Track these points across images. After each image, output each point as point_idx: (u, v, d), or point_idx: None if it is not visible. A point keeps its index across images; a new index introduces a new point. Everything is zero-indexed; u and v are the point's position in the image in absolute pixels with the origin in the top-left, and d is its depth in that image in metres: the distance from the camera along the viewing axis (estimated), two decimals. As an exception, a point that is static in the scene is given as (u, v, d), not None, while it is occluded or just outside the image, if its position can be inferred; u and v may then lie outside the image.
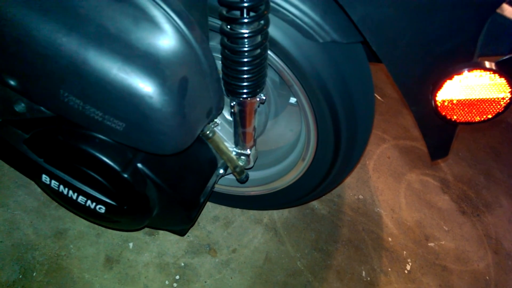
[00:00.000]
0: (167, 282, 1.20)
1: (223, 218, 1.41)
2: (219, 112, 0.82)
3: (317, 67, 0.84)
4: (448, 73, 0.63)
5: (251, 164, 1.04)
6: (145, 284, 1.19)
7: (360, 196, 1.62)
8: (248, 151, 1.02)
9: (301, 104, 0.95)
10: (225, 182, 1.29)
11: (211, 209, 1.42)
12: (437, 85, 0.64)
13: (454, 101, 0.65)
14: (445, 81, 0.63)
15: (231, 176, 1.22)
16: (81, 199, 0.87)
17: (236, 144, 1.01)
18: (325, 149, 1.01)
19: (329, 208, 1.54)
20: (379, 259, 1.43)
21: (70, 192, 0.87)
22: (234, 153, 1.02)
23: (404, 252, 1.47)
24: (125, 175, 0.79)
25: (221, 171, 1.04)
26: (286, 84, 0.95)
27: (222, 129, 1.01)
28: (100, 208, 0.88)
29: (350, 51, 0.87)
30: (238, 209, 1.44)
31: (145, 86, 0.63)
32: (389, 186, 1.69)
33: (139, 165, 0.83)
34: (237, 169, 1.02)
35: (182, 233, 1.07)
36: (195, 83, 0.69)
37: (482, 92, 0.63)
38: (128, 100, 0.64)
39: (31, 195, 1.30)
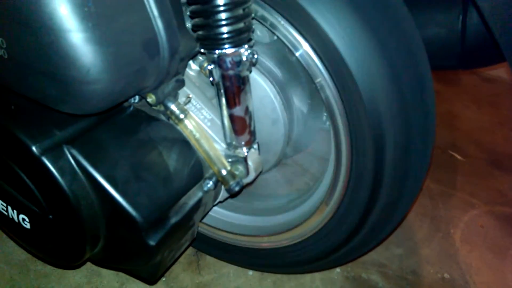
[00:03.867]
0: None
1: (248, 290, 1.05)
2: (173, 54, 0.58)
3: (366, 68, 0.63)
4: None
5: (252, 174, 0.74)
6: None
7: (446, 275, 1.15)
8: (244, 151, 0.72)
9: (334, 126, 0.70)
10: (219, 225, 1.00)
11: (232, 278, 1.08)
12: None
13: None
14: None
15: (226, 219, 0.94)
16: (0, 204, 0.64)
17: (229, 142, 0.73)
18: (357, 192, 0.73)
19: (400, 288, 1.10)
20: None
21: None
22: (225, 156, 0.74)
23: None
24: (42, 157, 0.55)
25: (210, 184, 0.73)
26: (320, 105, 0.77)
27: (212, 126, 0.74)
28: (23, 220, 0.63)
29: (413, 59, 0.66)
30: (270, 282, 1.08)
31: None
32: (487, 263, 1.20)
33: (69, 147, 0.57)
34: (224, 175, 0.73)
35: (150, 279, 0.73)
36: None
37: None
38: None
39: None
